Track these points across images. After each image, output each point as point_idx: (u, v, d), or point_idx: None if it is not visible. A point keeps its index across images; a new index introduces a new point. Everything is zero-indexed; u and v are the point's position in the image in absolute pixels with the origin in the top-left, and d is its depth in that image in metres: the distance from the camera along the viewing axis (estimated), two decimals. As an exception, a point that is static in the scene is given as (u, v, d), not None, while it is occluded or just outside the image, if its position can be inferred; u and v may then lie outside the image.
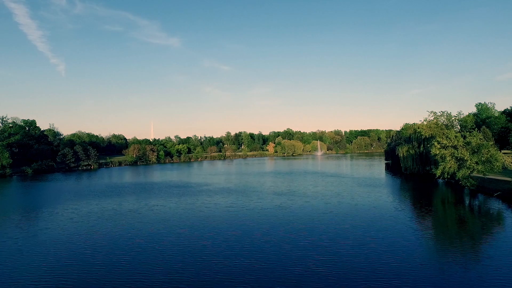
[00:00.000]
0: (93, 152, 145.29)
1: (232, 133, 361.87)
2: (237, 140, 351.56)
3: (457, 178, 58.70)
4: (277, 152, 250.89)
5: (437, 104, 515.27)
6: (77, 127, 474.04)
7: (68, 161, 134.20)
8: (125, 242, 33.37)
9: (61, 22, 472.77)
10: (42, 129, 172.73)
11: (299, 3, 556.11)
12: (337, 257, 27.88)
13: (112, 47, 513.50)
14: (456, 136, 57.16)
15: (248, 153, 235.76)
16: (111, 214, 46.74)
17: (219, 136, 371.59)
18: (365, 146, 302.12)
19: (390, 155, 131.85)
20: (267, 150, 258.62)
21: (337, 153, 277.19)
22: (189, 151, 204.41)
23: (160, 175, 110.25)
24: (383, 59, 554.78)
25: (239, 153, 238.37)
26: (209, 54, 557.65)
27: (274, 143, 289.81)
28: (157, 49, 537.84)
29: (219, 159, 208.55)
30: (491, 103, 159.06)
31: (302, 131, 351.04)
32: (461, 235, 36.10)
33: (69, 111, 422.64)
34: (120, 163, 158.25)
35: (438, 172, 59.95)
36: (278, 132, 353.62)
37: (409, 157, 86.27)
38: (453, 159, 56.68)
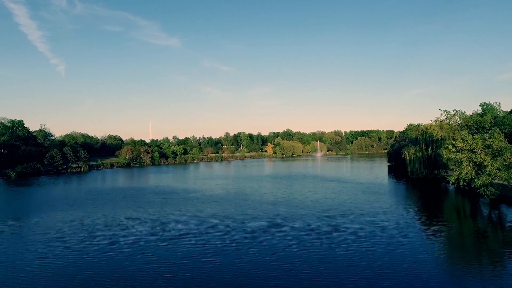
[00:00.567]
0: (83, 154, 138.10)
1: (231, 134, 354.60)
2: (236, 140, 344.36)
3: (475, 186, 51.28)
4: (276, 153, 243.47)
5: (437, 104, 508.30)
6: (76, 128, 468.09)
7: (56, 164, 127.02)
8: (93, 262, 26.16)
9: (61, 23, 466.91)
10: (34, 130, 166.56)
11: (299, 3, 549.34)
12: (340, 277, 22.70)
13: (112, 47, 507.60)
14: (474, 138, 49.72)
15: (246, 154, 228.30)
16: (73, 228, 39.45)
17: (218, 137, 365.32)
18: (365, 147, 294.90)
19: (394, 157, 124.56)
20: (266, 151, 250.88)
21: (337, 154, 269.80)
22: (185, 152, 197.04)
23: (150, 178, 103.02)
24: (383, 59, 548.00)
25: (237, 154, 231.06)
26: (209, 54, 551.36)
27: (273, 143, 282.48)
28: (157, 49, 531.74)
29: (216, 160, 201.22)
30: (496, 102, 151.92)
31: (301, 132, 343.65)
32: (480, 251, 30.65)
33: (69, 111, 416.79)
34: (112, 165, 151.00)
35: (453, 179, 52.62)
36: (278, 132, 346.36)
37: (416, 160, 78.89)
38: (471, 164, 49.32)
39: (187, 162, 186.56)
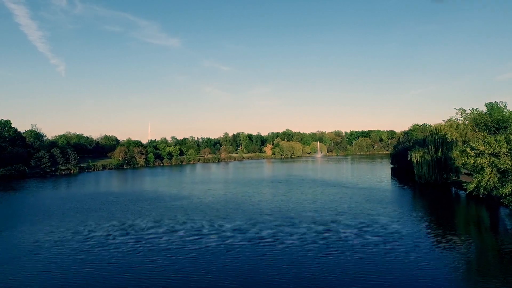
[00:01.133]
0: (73, 155, 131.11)
1: (230, 134, 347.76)
2: (235, 141, 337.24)
3: (496, 195, 44.23)
4: (275, 154, 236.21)
5: (437, 104, 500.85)
6: (76, 128, 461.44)
7: (43, 166, 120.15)
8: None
9: (61, 23, 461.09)
10: (25, 130, 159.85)
11: (299, 3, 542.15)
12: None
13: (112, 47, 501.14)
14: (496, 140, 42.67)
15: (244, 155, 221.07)
16: (28, 247, 32.52)
17: (217, 137, 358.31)
18: (366, 147, 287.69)
19: (397, 159, 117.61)
20: (265, 151, 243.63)
21: (337, 155, 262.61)
22: (181, 153, 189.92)
23: (139, 182, 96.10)
24: (383, 59, 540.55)
25: (235, 155, 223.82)
26: (209, 54, 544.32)
27: (273, 144, 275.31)
28: (157, 49, 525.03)
29: (213, 161, 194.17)
30: (502, 102, 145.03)
31: (301, 132, 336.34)
32: (505, 272, 25.34)
33: (69, 111, 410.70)
34: (104, 167, 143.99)
35: (471, 186, 45.57)
36: (277, 133, 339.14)
37: (424, 163, 71.84)
38: (494, 171, 42.28)
39: (183, 163, 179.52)
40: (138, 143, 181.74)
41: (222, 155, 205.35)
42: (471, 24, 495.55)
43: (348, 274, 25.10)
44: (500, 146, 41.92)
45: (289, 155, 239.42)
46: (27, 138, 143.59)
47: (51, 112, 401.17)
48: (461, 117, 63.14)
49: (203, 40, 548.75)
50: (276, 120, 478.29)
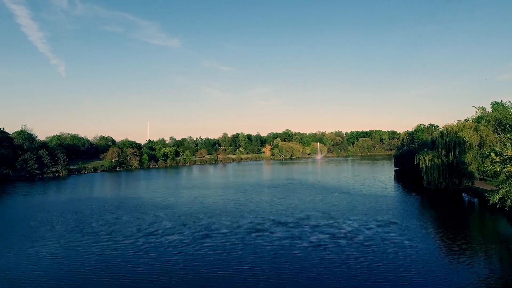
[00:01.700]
0: (62, 157, 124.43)
1: (229, 134, 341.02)
2: (234, 141, 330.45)
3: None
4: (274, 155, 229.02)
5: (437, 104, 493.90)
6: (76, 128, 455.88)
7: (29, 168, 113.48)
8: None
9: (61, 23, 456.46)
10: (17, 131, 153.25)
11: (299, 3, 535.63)
12: None
13: (112, 47, 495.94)
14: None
15: (243, 156, 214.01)
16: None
17: (216, 138, 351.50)
18: (367, 148, 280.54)
19: (401, 161, 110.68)
20: (264, 152, 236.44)
21: (338, 156, 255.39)
22: (177, 154, 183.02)
23: (127, 186, 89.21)
24: (383, 59, 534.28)
25: (233, 156, 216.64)
26: (209, 54, 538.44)
27: (272, 144, 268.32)
28: (157, 49, 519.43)
29: (210, 163, 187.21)
30: (509, 101, 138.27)
31: (301, 132, 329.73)
32: None
33: (69, 111, 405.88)
34: (95, 169, 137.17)
35: (495, 198, 38.50)
36: (277, 133, 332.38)
37: (434, 168, 64.75)
38: (525, 181, 35.32)
39: (179, 165, 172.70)
40: (133, 144, 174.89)
41: (220, 156, 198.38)
42: (471, 24, 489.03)
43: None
44: (533, 151, 34.93)
45: (289, 156, 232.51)
46: (15, 139, 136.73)
47: (50, 112, 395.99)
48: (481, 116, 55.96)
49: (203, 40, 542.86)
50: (275, 121, 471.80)
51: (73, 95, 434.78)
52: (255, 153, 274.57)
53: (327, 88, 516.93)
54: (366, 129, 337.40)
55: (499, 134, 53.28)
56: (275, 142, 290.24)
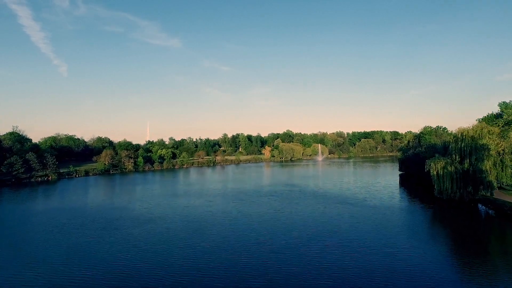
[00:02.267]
0: (51, 160, 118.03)
1: (230, 135, 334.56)
2: (234, 142, 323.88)
3: None
4: (274, 156, 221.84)
5: (438, 104, 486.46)
6: (76, 128, 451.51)
7: (15, 172, 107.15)
8: None
9: (63, 24, 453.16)
10: (7, 132, 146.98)
11: (299, 3, 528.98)
12: None
13: (113, 47, 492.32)
14: None
15: (242, 158, 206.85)
16: None
17: (216, 138, 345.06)
18: (369, 149, 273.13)
19: (407, 165, 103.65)
20: (264, 154, 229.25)
21: (339, 158, 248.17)
22: (174, 156, 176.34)
23: (116, 192, 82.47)
24: (383, 59, 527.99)
25: (232, 158, 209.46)
26: (209, 54, 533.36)
27: (273, 145, 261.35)
28: (157, 49, 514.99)
29: (208, 165, 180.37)
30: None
31: (302, 133, 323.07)
32: None
33: (70, 111, 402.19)
34: (87, 173, 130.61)
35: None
36: (277, 134, 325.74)
37: (446, 176, 57.76)
38: None
39: (176, 167, 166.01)
40: (129, 146, 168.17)
41: (218, 158, 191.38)
42: (471, 24, 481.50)
43: None
44: None
45: (289, 158, 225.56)
46: (4, 141, 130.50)
47: (51, 112, 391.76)
48: (492, 116, 48.94)
49: (203, 40, 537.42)
50: (276, 121, 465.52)
51: (74, 95, 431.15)
52: (255, 154, 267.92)
53: (327, 88, 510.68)
54: (368, 130, 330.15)
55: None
56: (275, 142, 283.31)
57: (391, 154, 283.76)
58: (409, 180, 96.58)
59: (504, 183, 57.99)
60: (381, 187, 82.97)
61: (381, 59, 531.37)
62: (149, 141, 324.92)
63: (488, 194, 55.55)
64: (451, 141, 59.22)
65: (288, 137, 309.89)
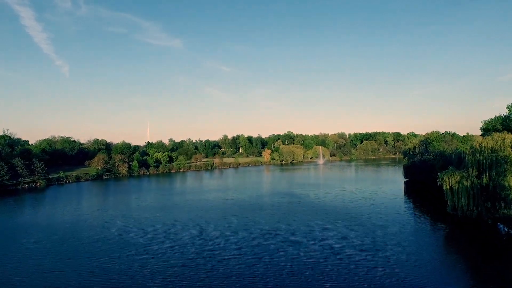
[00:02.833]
0: (40, 166, 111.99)
1: (231, 136, 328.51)
2: (235, 143, 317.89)
3: None
4: (274, 159, 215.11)
5: (440, 105, 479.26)
6: (77, 129, 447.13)
7: (0, 179, 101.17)
8: None
9: (65, 24, 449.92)
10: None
11: (301, 5, 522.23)
12: None
13: (115, 48, 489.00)
14: None
15: (241, 161, 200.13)
16: None
17: (217, 139, 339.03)
18: (371, 151, 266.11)
19: (412, 171, 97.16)
20: (264, 156, 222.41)
21: (341, 160, 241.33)
22: (171, 159, 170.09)
23: (99, 202, 75.85)
24: (386, 60, 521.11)
25: (231, 160, 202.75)
26: (211, 55, 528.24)
27: (273, 147, 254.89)
28: (159, 50, 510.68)
29: (206, 169, 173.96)
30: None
31: (303, 134, 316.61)
32: None
33: (71, 112, 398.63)
34: (78, 178, 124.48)
35: None
36: (278, 135, 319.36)
37: (462, 191, 51.02)
38: None
39: (172, 171, 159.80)
40: (125, 149, 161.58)
41: (216, 161, 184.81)
42: (473, 25, 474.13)
43: None
44: None
45: (289, 161, 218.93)
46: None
47: (52, 113, 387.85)
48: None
49: (205, 41, 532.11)
50: (277, 122, 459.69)
51: (76, 96, 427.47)
52: (255, 155, 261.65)
53: (329, 88, 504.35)
54: (370, 131, 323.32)
55: None
56: (276, 144, 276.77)
57: (393, 156, 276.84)
58: (415, 187, 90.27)
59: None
60: (386, 198, 76.31)
61: (383, 60, 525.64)
62: (148, 142, 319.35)
63: (508, 211, 48.82)
64: (467, 152, 52.45)
65: (289, 138, 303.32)
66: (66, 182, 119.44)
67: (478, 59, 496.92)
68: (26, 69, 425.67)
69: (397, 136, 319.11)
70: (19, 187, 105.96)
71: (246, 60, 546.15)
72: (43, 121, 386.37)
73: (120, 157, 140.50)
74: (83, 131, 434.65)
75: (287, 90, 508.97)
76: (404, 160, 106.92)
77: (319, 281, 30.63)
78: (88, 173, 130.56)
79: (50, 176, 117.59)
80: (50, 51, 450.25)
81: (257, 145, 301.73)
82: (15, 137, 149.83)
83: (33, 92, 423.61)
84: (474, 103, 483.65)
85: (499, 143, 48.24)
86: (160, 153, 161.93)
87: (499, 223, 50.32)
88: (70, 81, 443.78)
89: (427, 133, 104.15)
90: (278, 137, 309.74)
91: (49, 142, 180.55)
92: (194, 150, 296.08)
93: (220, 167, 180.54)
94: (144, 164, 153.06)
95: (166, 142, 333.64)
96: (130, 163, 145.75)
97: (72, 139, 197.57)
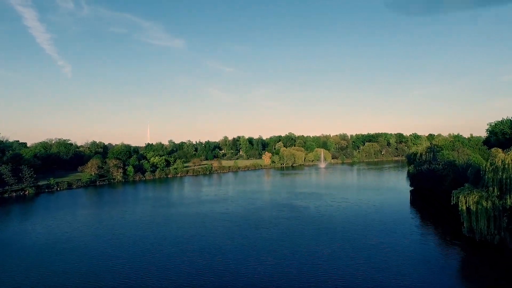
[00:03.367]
0: (28, 173, 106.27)
1: (231, 137, 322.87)
2: (235, 145, 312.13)
3: None
4: (274, 162, 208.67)
5: (439, 104, 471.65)
6: (78, 130, 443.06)
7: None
8: None
9: (67, 25, 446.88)
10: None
11: (302, 4, 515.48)
12: None
13: (117, 49, 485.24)
14: None
15: (240, 165, 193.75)
16: None
17: (217, 140, 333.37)
18: (374, 153, 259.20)
19: (418, 179, 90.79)
20: (264, 159, 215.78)
21: (343, 163, 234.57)
22: (168, 164, 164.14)
23: (81, 217, 69.88)
24: (386, 60, 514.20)
25: (230, 163, 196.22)
26: (212, 55, 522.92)
27: (274, 148, 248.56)
28: (161, 50, 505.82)
29: (204, 173, 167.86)
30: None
31: (305, 136, 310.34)
32: None
33: (72, 112, 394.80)
34: (70, 185, 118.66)
35: None
36: (279, 136, 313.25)
37: (481, 213, 44.76)
38: None
39: (169, 176, 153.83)
40: (121, 152, 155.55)
41: (215, 164, 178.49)
42: (473, 24, 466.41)
43: None
44: None
45: (290, 164, 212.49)
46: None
47: (53, 114, 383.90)
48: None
49: (206, 41, 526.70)
50: (278, 122, 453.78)
51: (77, 96, 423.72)
52: (255, 157, 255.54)
53: (330, 89, 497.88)
54: (371, 131, 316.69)
55: None
56: (277, 146, 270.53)
57: (396, 158, 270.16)
58: (422, 199, 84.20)
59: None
60: (392, 211, 70.01)
61: (383, 60, 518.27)
62: (148, 143, 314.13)
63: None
64: (487, 169, 46.02)
65: (290, 140, 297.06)
66: (57, 189, 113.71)
67: (479, 59, 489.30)
68: (29, 70, 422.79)
69: (400, 137, 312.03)
70: (6, 195, 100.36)
71: (247, 60, 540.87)
72: (43, 122, 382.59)
73: (115, 162, 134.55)
74: (83, 132, 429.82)
75: (288, 90, 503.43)
76: (409, 167, 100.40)
77: None
78: (80, 179, 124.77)
79: (40, 183, 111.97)
80: (53, 52, 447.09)
81: (257, 146, 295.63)
82: (7, 141, 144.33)
83: (35, 92, 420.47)
84: (475, 103, 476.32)
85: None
86: (157, 158, 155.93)
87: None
88: (71, 82, 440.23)
89: (429, 134, 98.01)
90: (279, 139, 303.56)
91: (44, 145, 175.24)
92: (194, 152, 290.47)
93: (219, 172, 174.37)
94: (140, 169, 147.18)
95: (166, 143, 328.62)
96: (126, 167, 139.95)
97: (69, 142, 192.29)
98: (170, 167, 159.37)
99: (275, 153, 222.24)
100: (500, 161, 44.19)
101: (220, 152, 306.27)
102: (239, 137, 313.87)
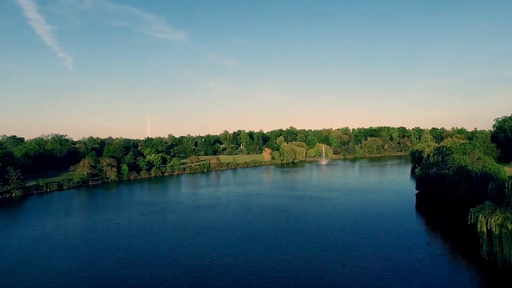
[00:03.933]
0: (15, 174, 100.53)
1: (231, 131, 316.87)
2: (235, 139, 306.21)
3: None
4: (274, 158, 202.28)
5: (441, 98, 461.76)
6: (79, 123, 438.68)
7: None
8: None
9: (69, 17, 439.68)
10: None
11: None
12: None
13: (119, 41, 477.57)
14: None
15: (239, 161, 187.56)
16: None
17: (217, 134, 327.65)
18: (376, 149, 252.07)
19: (426, 182, 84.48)
20: (264, 155, 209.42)
21: (345, 159, 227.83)
22: (164, 161, 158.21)
23: (61, 227, 64.12)
24: (390, 52, 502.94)
25: (229, 159, 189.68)
26: (214, 48, 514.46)
27: (274, 145, 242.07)
28: (163, 43, 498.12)
29: (202, 171, 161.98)
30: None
31: (306, 130, 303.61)
32: None
33: (73, 105, 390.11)
34: (60, 186, 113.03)
35: None
36: (280, 130, 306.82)
37: (506, 237, 38.32)
38: None
39: (165, 174, 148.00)
40: (117, 149, 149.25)
41: (213, 162, 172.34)
42: (479, 17, 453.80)
43: None
44: None
45: (291, 160, 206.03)
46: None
47: (54, 107, 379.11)
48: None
49: (209, 34, 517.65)
50: (280, 116, 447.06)
51: (78, 89, 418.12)
52: (256, 152, 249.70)
53: (333, 81, 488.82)
54: (373, 125, 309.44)
55: None
56: (278, 140, 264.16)
57: (399, 153, 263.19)
58: (429, 201, 78.50)
59: None
60: (398, 219, 64.00)
61: (386, 52, 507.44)
62: (148, 137, 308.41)
63: None
64: (509, 186, 39.36)
65: (291, 134, 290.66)
66: (46, 191, 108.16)
67: (483, 52, 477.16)
68: (28, 62, 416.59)
69: (402, 132, 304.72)
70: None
71: (249, 53, 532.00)
72: (42, 115, 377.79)
73: (108, 161, 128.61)
74: (83, 125, 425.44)
75: (291, 83, 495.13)
76: (416, 169, 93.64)
77: None
78: (71, 179, 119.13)
79: (29, 184, 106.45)
80: (54, 44, 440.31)
81: (258, 141, 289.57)
82: (5, 136, 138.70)
83: (35, 84, 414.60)
84: (478, 96, 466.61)
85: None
86: (153, 155, 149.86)
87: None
88: (73, 74, 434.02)
89: (433, 128, 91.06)
90: (280, 133, 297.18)
91: (38, 142, 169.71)
92: (193, 147, 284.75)
93: (217, 169, 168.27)
94: (135, 168, 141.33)
95: (166, 137, 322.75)
96: (121, 165, 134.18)
97: (65, 137, 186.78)
98: (167, 165, 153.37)
99: (275, 148, 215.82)
100: (529, 178, 37.48)
101: (220, 146, 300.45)
102: (239, 131, 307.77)
